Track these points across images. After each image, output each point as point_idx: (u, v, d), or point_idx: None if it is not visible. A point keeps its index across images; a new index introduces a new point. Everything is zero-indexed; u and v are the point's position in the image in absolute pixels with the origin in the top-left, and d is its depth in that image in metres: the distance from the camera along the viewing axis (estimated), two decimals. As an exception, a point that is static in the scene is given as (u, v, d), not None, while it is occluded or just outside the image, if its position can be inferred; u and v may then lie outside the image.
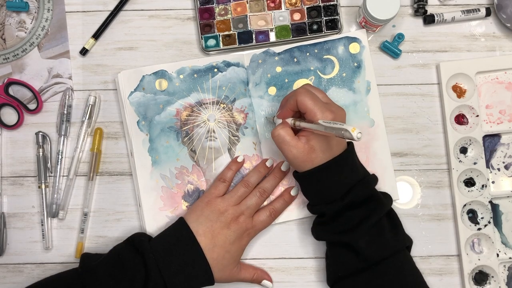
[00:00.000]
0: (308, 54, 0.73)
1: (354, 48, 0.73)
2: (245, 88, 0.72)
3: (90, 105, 0.72)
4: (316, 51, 0.73)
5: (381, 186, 0.70)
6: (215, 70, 0.72)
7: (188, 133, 0.71)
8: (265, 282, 0.69)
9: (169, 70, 0.72)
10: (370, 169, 0.70)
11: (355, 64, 0.73)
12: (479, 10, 0.73)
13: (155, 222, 0.70)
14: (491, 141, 0.73)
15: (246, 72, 0.72)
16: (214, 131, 0.71)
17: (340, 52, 0.73)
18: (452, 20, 0.74)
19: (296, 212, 0.71)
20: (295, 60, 0.73)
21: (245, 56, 0.73)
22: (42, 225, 0.71)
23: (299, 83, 0.73)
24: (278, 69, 0.73)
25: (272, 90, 0.72)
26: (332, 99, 0.72)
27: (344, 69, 0.73)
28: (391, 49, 0.73)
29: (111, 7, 0.74)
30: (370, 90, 0.72)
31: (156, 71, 0.72)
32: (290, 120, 0.62)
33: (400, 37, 0.73)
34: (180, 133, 0.71)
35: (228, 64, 0.72)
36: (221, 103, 0.72)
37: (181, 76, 0.72)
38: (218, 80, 0.72)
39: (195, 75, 0.72)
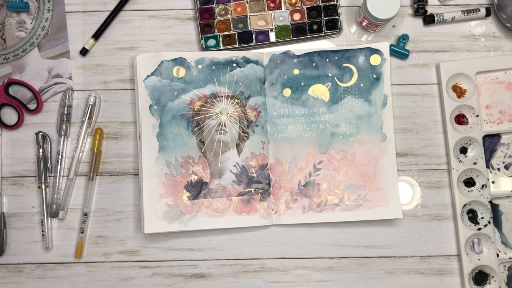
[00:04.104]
0: (327, 60, 0.72)
1: (375, 59, 0.72)
2: (261, 86, 0.72)
3: (90, 105, 0.72)
4: (336, 58, 0.72)
5: (385, 204, 0.70)
6: (234, 64, 0.72)
7: (199, 123, 0.71)
8: None
9: (189, 58, 0.71)
10: (376, 185, 0.70)
11: (374, 76, 0.72)
12: (479, 10, 0.73)
13: (154, 209, 0.69)
14: (491, 141, 0.73)
15: (264, 70, 0.72)
16: (225, 125, 0.71)
17: (361, 62, 0.72)
18: (452, 20, 0.74)
19: (296, 217, 0.71)
20: (314, 64, 0.72)
21: (264, 54, 0.72)
22: (42, 225, 0.71)
23: (315, 88, 0.72)
24: (296, 71, 0.72)
25: (287, 92, 0.72)
26: (347, 108, 0.71)
27: (362, 79, 0.72)
28: (399, 52, 0.73)
29: (111, 7, 0.74)
30: (387, 104, 0.72)
31: (175, 58, 0.71)
32: None
33: (404, 38, 0.73)
34: (191, 122, 0.71)
35: (247, 61, 0.72)
36: (235, 98, 0.72)
37: (200, 66, 0.71)
38: (235, 75, 0.72)
39: (214, 67, 0.72)
